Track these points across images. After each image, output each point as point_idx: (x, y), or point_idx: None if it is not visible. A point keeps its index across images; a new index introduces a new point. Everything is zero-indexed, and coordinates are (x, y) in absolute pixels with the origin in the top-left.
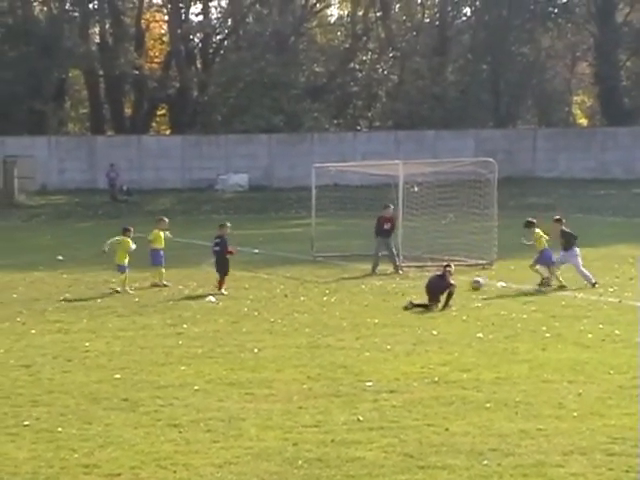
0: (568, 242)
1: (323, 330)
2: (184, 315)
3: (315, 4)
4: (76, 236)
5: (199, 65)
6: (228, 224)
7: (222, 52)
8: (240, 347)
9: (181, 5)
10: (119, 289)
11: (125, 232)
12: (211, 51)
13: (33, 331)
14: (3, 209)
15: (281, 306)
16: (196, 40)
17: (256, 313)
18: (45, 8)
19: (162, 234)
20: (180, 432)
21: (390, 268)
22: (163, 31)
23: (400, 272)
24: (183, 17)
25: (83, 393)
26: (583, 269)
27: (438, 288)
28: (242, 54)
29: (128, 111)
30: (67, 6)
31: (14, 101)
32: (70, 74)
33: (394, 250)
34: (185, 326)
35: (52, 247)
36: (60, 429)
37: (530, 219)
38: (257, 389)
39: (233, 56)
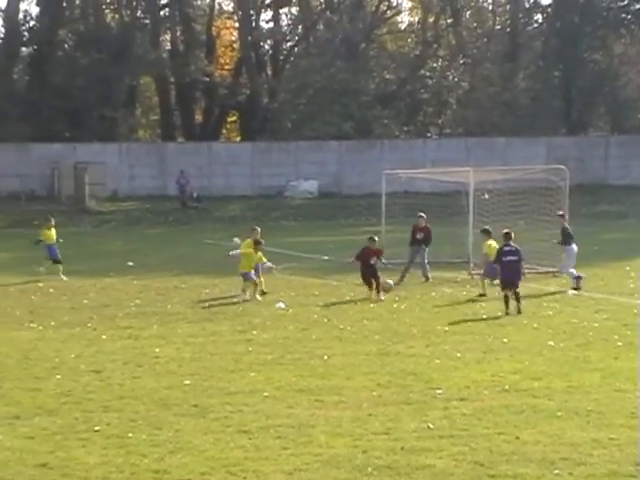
0: (564, 238)
1: (393, 337)
2: (254, 322)
3: (386, 11)
4: (146, 242)
5: (269, 72)
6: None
7: (292, 59)
8: (310, 354)
9: (252, 12)
10: (247, 297)
11: (256, 244)
12: (281, 58)
13: (104, 337)
14: (74, 215)
15: (351, 313)
16: (266, 47)
17: (326, 320)
18: (117, 15)
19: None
20: (250, 438)
21: (461, 275)
22: (234, 38)
23: (429, 280)
24: (253, 24)
25: (153, 399)
26: (572, 269)
27: None
28: (312, 61)
29: (198, 118)
30: (138, 13)
31: (85, 108)
32: (141, 81)
33: (426, 260)
34: (255, 333)
35: (122, 253)
36: (130, 434)
37: (486, 227)
38: (327, 396)
39: (303, 63)
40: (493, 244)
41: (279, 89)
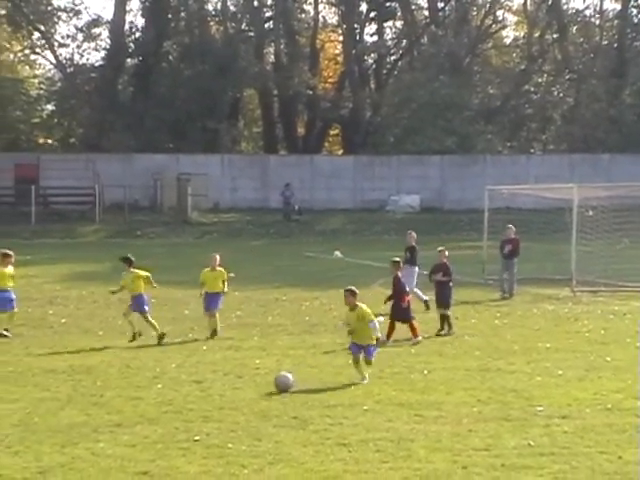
0: None
1: (493, 353)
2: None
3: (491, 25)
4: (247, 254)
5: (372, 85)
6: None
7: (396, 73)
8: (410, 368)
9: (356, 25)
10: None
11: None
12: (385, 71)
13: (204, 347)
14: (176, 226)
15: (455, 328)
16: (370, 60)
17: (426, 335)
18: (221, 27)
19: None
20: (349, 451)
21: (563, 292)
22: (337, 51)
23: (506, 296)
24: (358, 37)
25: (253, 410)
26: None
27: None
28: (416, 75)
29: (301, 131)
30: (243, 26)
31: (189, 119)
32: (244, 93)
33: (514, 274)
34: None
35: (224, 265)
36: (230, 445)
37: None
38: (426, 411)
39: (407, 77)
40: None
41: (382, 103)
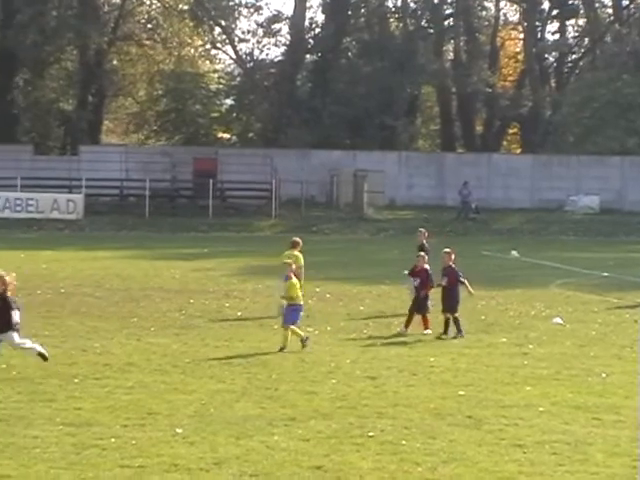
0: None
1: None
2: (530, 336)
3: None
4: None
5: (553, 84)
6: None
7: (577, 71)
8: (587, 371)
9: (537, 23)
10: None
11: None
12: (566, 70)
13: (379, 344)
14: (352, 222)
15: (630, 331)
16: (551, 59)
17: (604, 337)
18: (401, 24)
19: None
20: (524, 453)
21: None
22: (518, 49)
23: None
24: (539, 35)
25: (427, 408)
26: None
27: None
28: (598, 74)
29: (479, 129)
30: (423, 22)
31: (366, 116)
32: (422, 90)
33: None
34: (531, 347)
35: (399, 262)
36: (404, 442)
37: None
38: (604, 414)
39: (588, 76)
40: None
41: (562, 102)
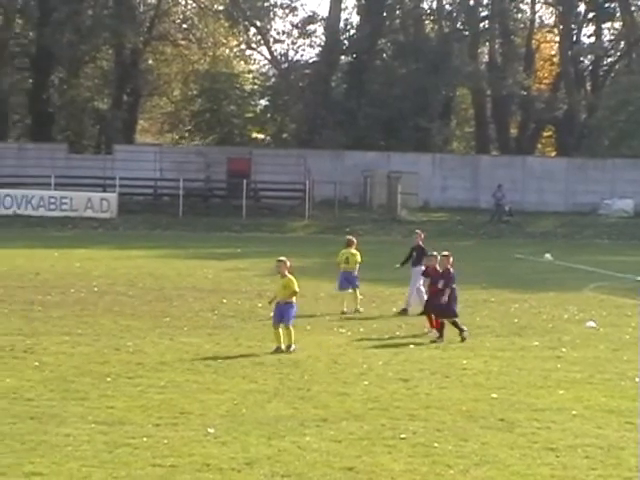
0: None
1: None
2: (563, 339)
3: None
4: (456, 254)
5: (588, 87)
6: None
7: (613, 75)
8: (621, 375)
9: (573, 26)
10: None
11: None
12: (601, 73)
13: (411, 346)
14: (385, 224)
15: None
16: (586, 62)
17: (638, 341)
18: (436, 26)
19: None
20: (557, 456)
21: None
22: (553, 52)
23: None
24: (575, 38)
25: (460, 410)
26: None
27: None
28: (634, 77)
29: (514, 131)
30: (458, 25)
31: (401, 117)
32: (457, 92)
33: None
34: (564, 350)
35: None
36: (436, 444)
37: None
38: (638, 418)
39: (624, 79)
40: None
41: (598, 105)
